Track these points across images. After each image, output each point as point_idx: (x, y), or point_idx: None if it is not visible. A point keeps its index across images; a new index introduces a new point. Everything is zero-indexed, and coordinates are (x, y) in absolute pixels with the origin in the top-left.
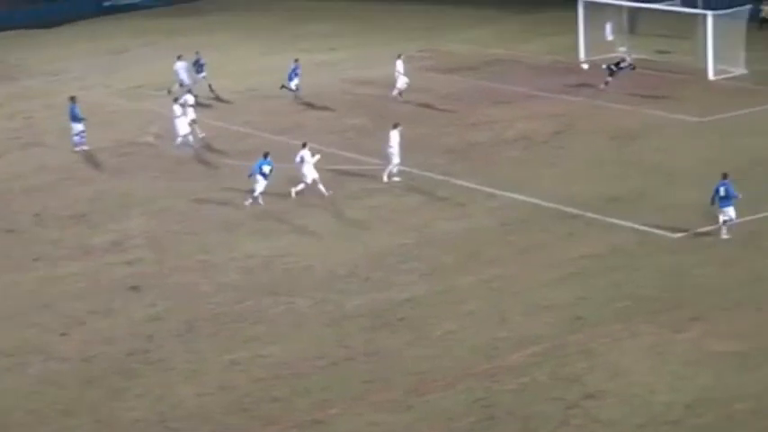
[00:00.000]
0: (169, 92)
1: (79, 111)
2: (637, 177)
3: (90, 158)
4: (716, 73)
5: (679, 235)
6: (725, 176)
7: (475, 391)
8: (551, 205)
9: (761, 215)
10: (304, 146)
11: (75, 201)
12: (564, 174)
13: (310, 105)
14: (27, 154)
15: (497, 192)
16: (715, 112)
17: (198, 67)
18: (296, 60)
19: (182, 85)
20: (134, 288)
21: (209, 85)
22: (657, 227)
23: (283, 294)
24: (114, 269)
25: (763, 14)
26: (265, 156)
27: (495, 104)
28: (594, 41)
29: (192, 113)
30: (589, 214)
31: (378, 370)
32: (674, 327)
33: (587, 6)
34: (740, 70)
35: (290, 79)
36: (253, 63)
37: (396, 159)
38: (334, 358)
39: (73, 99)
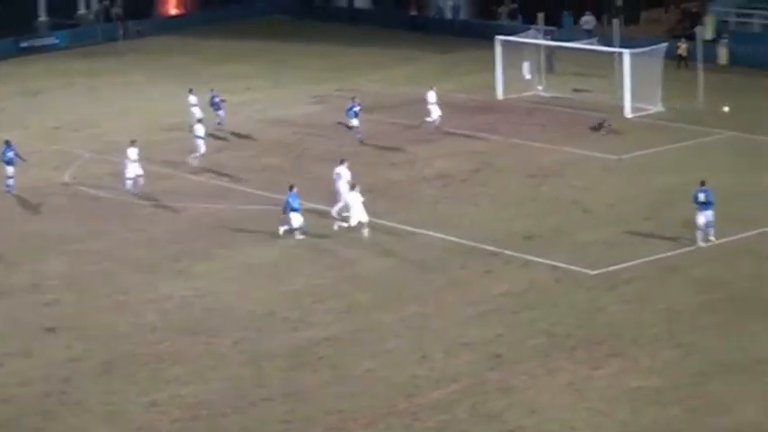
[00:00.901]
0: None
1: (13, 154)
2: (554, 215)
3: (7, 199)
4: (633, 111)
5: (596, 271)
6: (703, 183)
7: (395, 428)
8: (470, 243)
9: (677, 251)
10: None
11: None
12: (483, 211)
13: (229, 144)
14: None
15: (417, 230)
16: (632, 150)
17: (214, 105)
18: (353, 99)
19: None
20: (51, 329)
21: (218, 123)
22: (575, 263)
23: (202, 334)
24: (32, 310)
25: (679, 52)
26: (291, 188)
27: (414, 143)
28: (512, 80)
29: (202, 147)
30: (507, 252)
31: (297, 409)
32: (592, 363)
33: (505, 45)
34: (657, 108)
35: (351, 117)
36: (170, 103)
37: (353, 221)
38: (253, 398)
39: (7, 142)
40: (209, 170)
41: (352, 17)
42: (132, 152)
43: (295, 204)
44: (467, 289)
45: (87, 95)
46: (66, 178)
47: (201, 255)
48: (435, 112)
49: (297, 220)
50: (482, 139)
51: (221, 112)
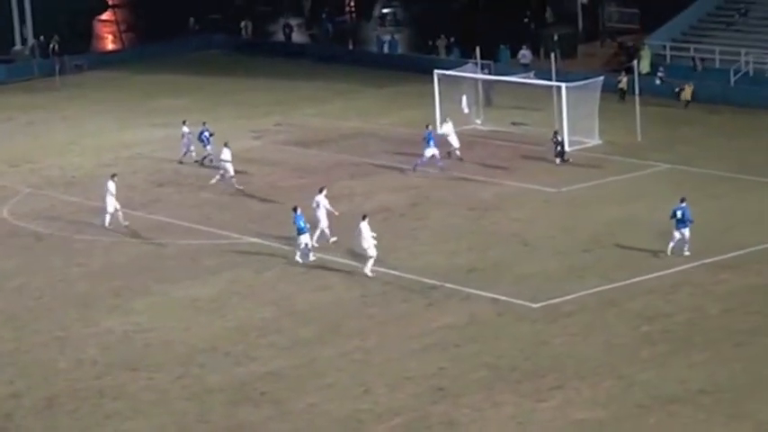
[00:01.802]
0: (201, 163)
1: None
2: (495, 247)
3: None
4: (571, 144)
5: (537, 305)
6: (682, 200)
7: None
8: (411, 276)
9: (617, 284)
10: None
11: None
12: (423, 245)
13: (166, 180)
14: None
15: (357, 264)
16: (570, 183)
17: (204, 140)
18: (427, 126)
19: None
20: None
21: (204, 158)
22: (516, 296)
23: (143, 370)
24: None
25: (620, 86)
26: (294, 210)
27: (353, 177)
28: (451, 114)
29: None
30: (448, 285)
31: None
32: (535, 396)
33: (443, 80)
34: (594, 141)
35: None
36: (108, 138)
37: (372, 252)
38: None
39: None
40: (146, 205)
41: (290, 52)
42: (112, 186)
43: (300, 224)
44: (408, 322)
45: (24, 131)
46: (5, 213)
47: (141, 290)
48: (455, 141)
49: (304, 239)
50: (421, 174)
51: (209, 147)
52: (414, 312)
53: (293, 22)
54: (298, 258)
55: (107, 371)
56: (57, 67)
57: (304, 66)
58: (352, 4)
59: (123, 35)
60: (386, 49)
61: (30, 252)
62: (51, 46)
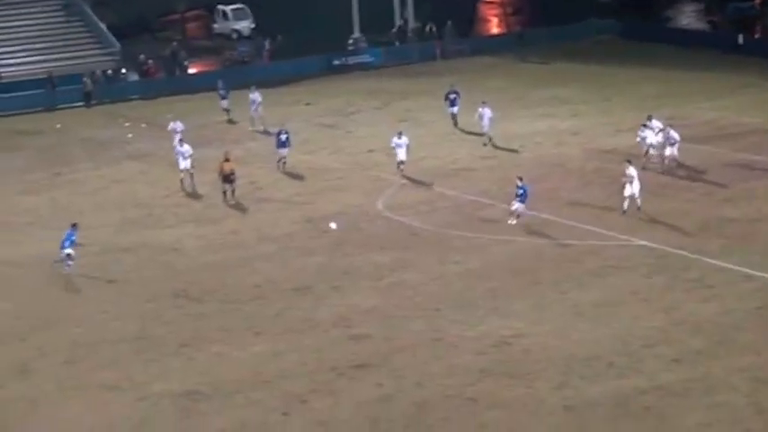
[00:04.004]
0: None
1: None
2: None
3: (313, 231)
4: None
5: None
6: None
7: None
8: None
9: None
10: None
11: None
12: None
13: (548, 173)
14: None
15: (755, 272)
16: None
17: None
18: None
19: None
20: (360, 366)
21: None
22: None
23: (520, 377)
24: (339, 345)
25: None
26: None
27: (753, 178)
28: None
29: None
30: None
31: None
32: None
33: None
34: None
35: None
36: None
37: None
38: None
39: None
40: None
41: (684, 40)
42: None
43: None
44: None
45: (403, 117)
46: (380, 206)
47: (519, 292)
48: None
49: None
50: None
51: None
52: None
53: (688, 8)
54: None
55: (482, 377)
56: (437, 52)
57: (700, 55)
58: None
59: (508, 19)
60: None
61: (404, 247)
62: (428, 28)
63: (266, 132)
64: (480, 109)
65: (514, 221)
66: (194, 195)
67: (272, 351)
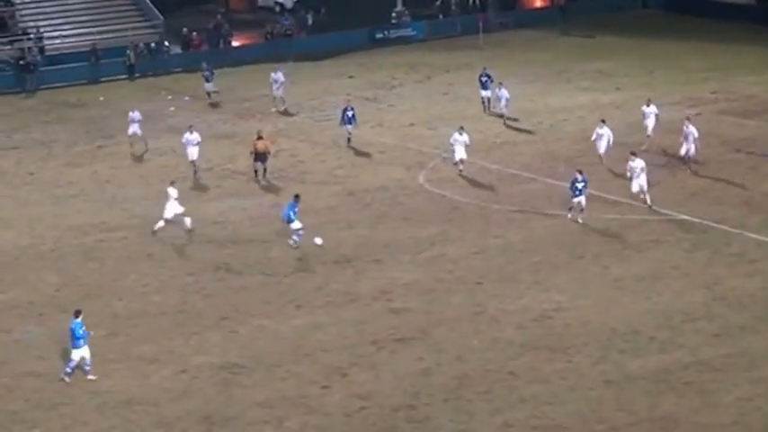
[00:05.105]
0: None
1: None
2: None
3: (352, 203)
4: None
5: None
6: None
7: None
8: None
9: None
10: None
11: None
12: None
13: (586, 151)
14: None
15: None
16: None
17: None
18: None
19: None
20: (400, 340)
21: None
22: None
23: (560, 352)
24: (379, 318)
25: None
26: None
27: None
28: None
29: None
30: None
31: None
32: None
33: None
34: None
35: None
36: (531, 102)
37: None
38: (613, 423)
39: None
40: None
41: (730, 13)
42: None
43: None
44: None
45: (444, 91)
46: (421, 179)
47: (562, 266)
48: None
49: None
50: None
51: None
52: None
53: None
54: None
55: (522, 351)
56: (480, 25)
57: (745, 29)
58: None
59: None
60: None
61: (445, 221)
62: (471, 1)
63: (286, 112)
64: (498, 90)
65: (580, 219)
66: (236, 171)
67: (313, 324)
